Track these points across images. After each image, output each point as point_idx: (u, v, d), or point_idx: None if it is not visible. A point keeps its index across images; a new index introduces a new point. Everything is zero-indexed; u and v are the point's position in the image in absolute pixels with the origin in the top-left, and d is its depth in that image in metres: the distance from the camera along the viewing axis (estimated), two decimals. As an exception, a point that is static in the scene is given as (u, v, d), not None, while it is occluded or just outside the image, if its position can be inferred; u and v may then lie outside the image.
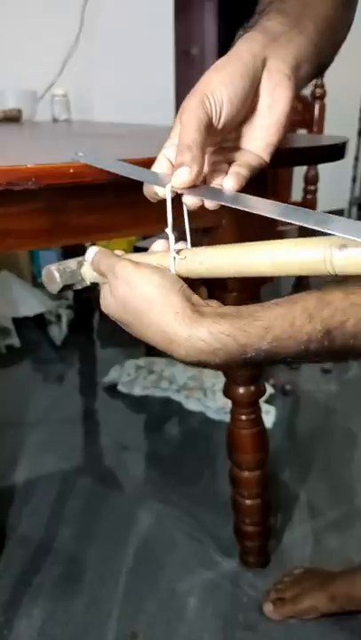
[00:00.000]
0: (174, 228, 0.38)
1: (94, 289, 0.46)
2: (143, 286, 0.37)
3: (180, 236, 0.40)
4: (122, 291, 0.39)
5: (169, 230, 0.39)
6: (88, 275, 0.45)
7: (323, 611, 0.84)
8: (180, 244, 0.41)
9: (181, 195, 0.39)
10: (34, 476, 1.19)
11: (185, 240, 0.41)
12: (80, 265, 0.45)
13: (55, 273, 0.44)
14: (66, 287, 0.45)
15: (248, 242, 0.36)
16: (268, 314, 0.35)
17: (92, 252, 0.42)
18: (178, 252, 0.39)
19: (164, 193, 0.39)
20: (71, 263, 0.45)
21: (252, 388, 0.81)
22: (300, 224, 0.31)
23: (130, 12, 2.03)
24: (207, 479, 1.18)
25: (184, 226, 0.40)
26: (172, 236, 0.40)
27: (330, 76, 1.51)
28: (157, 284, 0.37)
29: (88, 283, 0.46)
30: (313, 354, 0.34)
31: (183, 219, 0.40)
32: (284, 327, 0.33)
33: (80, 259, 0.45)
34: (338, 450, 1.28)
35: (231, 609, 0.88)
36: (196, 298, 0.38)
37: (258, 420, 0.84)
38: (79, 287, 0.46)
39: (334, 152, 0.65)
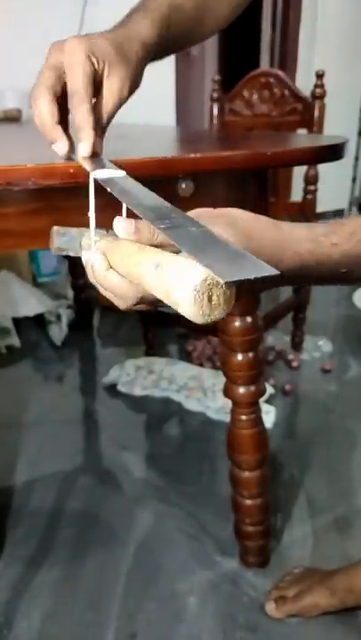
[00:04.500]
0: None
1: (94, 289, 0.46)
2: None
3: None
4: None
5: (91, 214, 0.40)
6: (86, 248, 0.45)
7: (324, 607, 0.84)
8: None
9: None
10: (34, 476, 1.19)
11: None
12: (81, 235, 0.46)
13: (54, 235, 0.46)
14: (60, 249, 0.46)
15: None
16: (350, 225, 0.41)
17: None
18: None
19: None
20: (73, 230, 0.46)
21: (252, 387, 0.81)
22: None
23: (130, 12, 2.03)
24: (207, 479, 1.18)
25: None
26: (92, 220, 0.40)
27: (330, 76, 1.51)
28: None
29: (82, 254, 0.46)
30: None
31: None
32: None
33: (84, 230, 0.45)
34: (338, 450, 1.28)
35: (231, 609, 0.88)
36: None
37: (258, 420, 0.84)
38: (72, 254, 0.46)
39: (334, 152, 0.65)
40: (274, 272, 0.26)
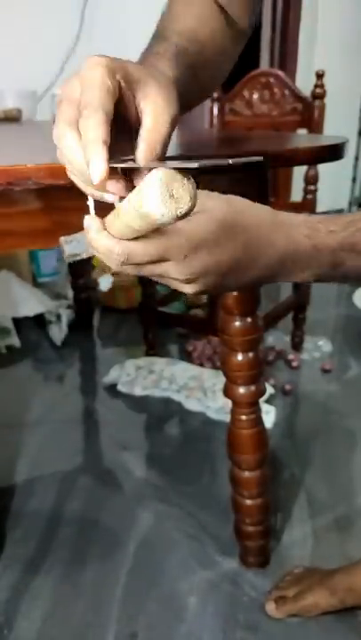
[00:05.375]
0: None
1: (94, 289, 0.47)
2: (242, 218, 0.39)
3: None
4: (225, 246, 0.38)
5: (90, 203, 0.40)
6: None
7: (324, 606, 0.84)
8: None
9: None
10: (34, 476, 1.19)
11: None
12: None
13: (63, 244, 0.47)
14: (72, 256, 0.47)
15: None
16: (348, 216, 0.41)
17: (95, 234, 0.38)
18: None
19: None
20: (78, 235, 0.47)
21: (253, 387, 0.81)
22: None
23: (129, 12, 2.03)
24: (207, 479, 1.18)
25: None
26: (92, 206, 0.40)
27: (330, 76, 1.51)
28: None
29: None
30: None
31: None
32: None
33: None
34: (338, 450, 1.28)
35: (231, 609, 0.88)
36: None
37: (258, 420, 0.84)
38: (85, 256, 0.47)
39: (334, 152, 0.65)
40: (254, 159, 0.30)
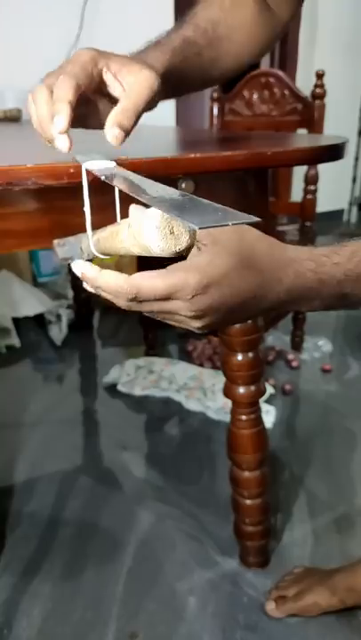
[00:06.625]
0: None
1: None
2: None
3: None
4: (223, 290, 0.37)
5: (86, 209, 0.41)
6: (86, 250, 0.46)
7: (324, 606, 0.84)
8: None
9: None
10: (34, 476, 1.19)
11: None
12: (79, 240, 0.46)
13: (55, 247, 0.47)
14: (65, 259, 0.48)
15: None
16: (351, 245, 0.42)
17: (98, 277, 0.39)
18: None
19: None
20: (71, 238, 0.47)
21: (252, 387, 0.81)
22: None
23: (130, 12, 2.03)
24: (207, 479, 1.18)
25: None
26: (88, 215, 0.41)
27: (330, 76, 1.51)
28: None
29: (87, 256, 0.46)
30: None
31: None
32: None
33: (80, 235, 0.46)
34: (338, 450, 1.28)
35: (231, 609, 0.88)
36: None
37: (258, 420, 0.84)
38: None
39: (334, 152, 0.65)
40: (252, 219, 0.27)
